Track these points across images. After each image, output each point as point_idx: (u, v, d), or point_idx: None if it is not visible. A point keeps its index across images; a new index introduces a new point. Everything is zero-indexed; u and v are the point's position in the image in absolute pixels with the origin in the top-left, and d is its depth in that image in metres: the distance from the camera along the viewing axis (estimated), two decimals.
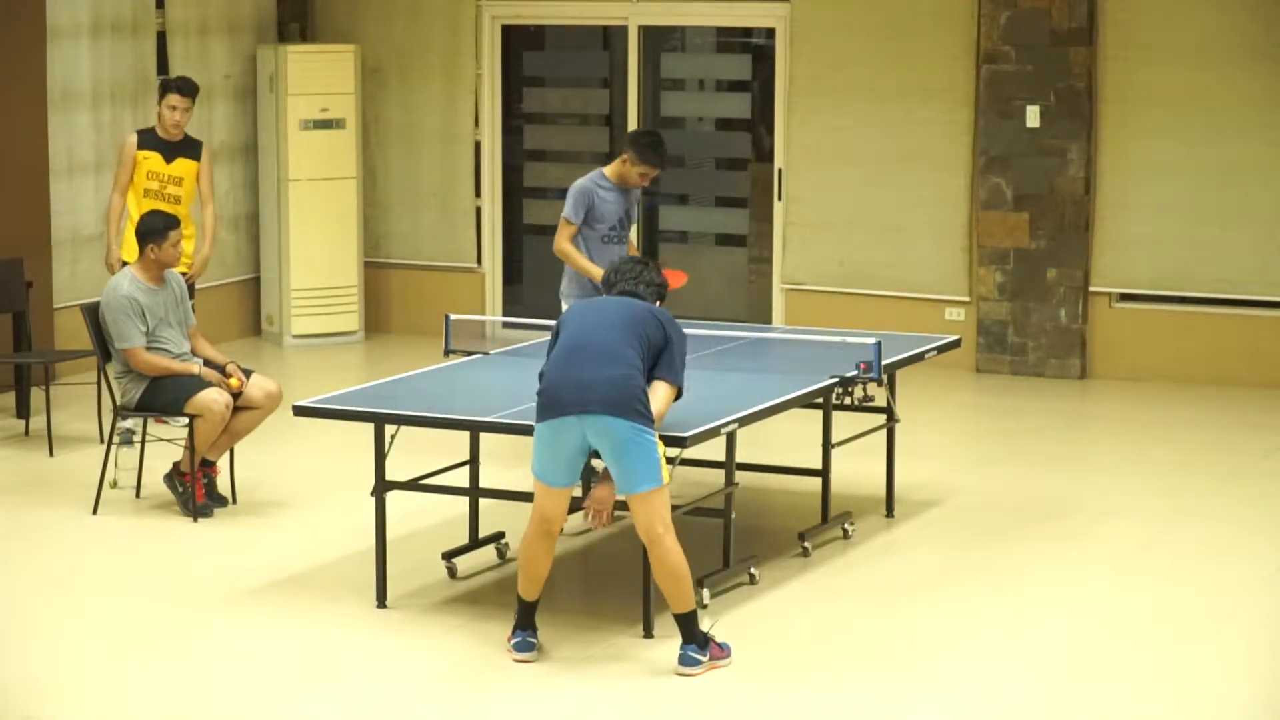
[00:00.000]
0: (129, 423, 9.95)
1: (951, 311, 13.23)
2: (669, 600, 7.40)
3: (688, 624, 7.41)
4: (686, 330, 9.76)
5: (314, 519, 9.62)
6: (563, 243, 9.70)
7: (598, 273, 9.39)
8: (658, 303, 7.70)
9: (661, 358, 7.48)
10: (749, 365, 9.23)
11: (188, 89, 11.41)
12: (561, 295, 9.85)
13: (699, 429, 7.79)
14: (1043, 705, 7.18)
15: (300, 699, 7.24)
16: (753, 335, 10.16)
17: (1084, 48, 12.75)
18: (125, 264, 11.27)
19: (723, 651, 7.48)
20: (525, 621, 7.56)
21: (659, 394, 7.44)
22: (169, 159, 11.33)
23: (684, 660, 7.38)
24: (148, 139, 11.38)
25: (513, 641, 7.55)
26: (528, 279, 14.79)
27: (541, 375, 7.43)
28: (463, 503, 8.86)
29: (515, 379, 8.85)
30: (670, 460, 8.70)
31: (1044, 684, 7.37)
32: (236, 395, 9.55)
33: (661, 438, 7.77)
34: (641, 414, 7.30)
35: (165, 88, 11.42)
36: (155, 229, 9.72)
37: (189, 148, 11.42)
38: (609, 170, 9.79)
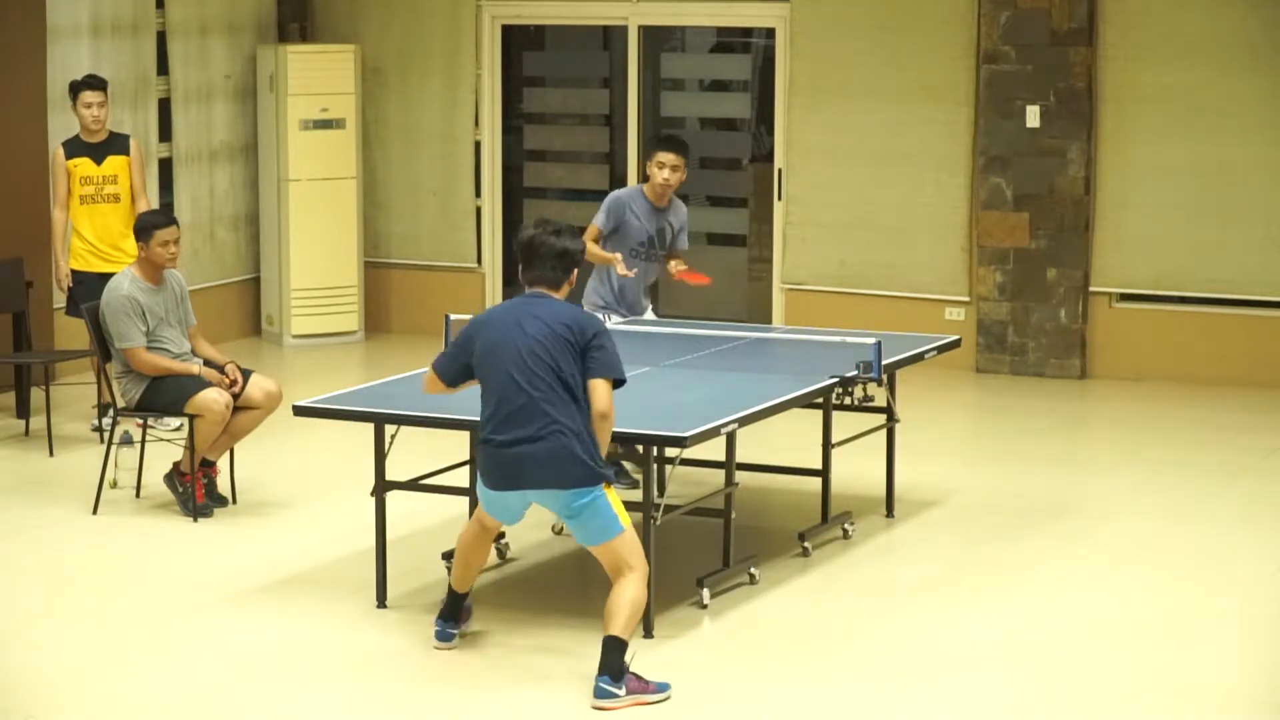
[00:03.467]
0: (121, 426, 9.94)
1: (951, 311, 13.23)
2: (606, 619, 7.11)
3: (610, 650, 7.06)
4: (685, 331, 9.81)
5: (314, 519, 9.62)
6: (588, 244, 9.76)
7: (611, 257, 9.70)
8: (573, 272, 7.36)
9: (589, 357, 7.20)
10: (749, 365, 9.23)
11: (98, 83, 11.39)
12: (585, 300, 10.01)
13: (699, 429, 7.78)
14: (1043, 705, 7.17)
15: (300, 698, 7.24)
16: (753, 335, 10.16)
17: (1084, 48, 12.75)
18: (75, 272, 11.31)
19: (647, 686, 7.07)
20: (450, 612, 7.60)
21: (598, 393, 7.18)
22: (99, 160, 11.30)
23: (598, 693, 7.03)
24: (74, 147, 11.34)
25: (434, 629, 7.62)
26: None
27: (478, 431, 7.35)
28: (463, 503, 8.85)
29: None
30: (669, 460, 8.72)
31: (1044, 684, 7.37)
32: (236, 395, 9.55)
33: (660, 438, 7.78)
34: (578, 473, 7.12)
35: (75, 88, 11.38)
36: (143, 227, 9.72)
37: (116, 144, 11.39)
38: (646, 186, 9.93)
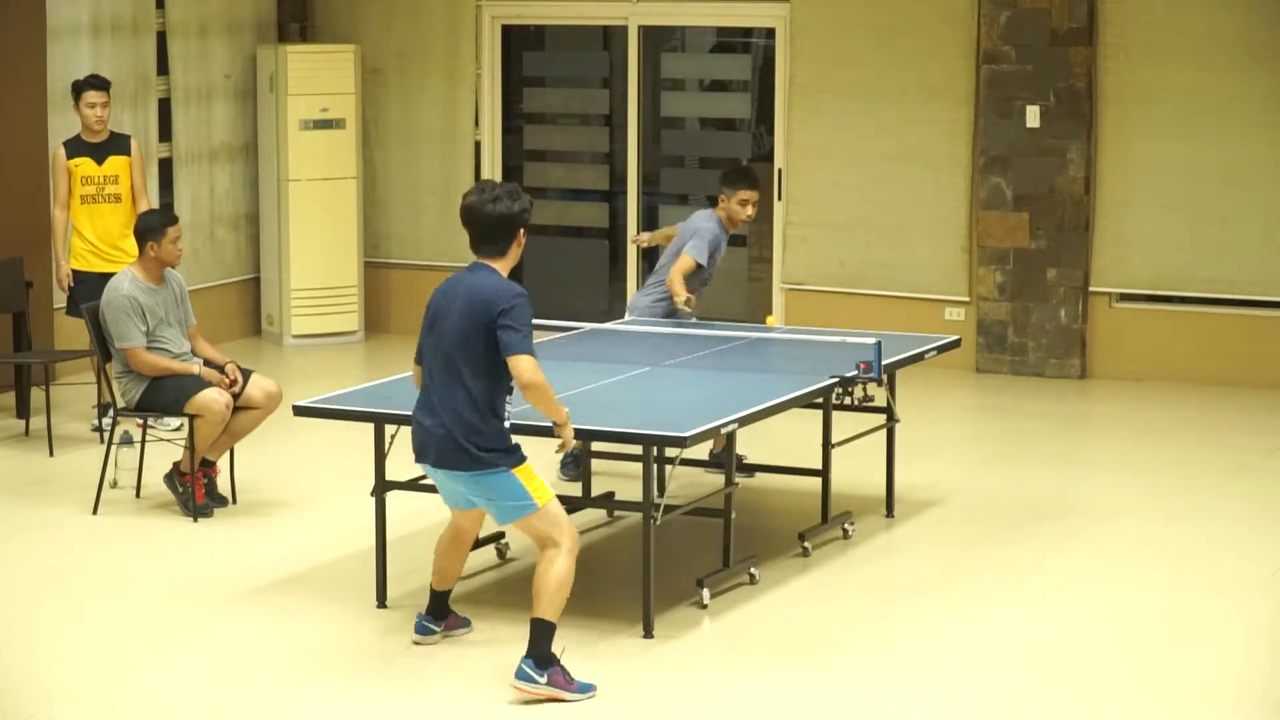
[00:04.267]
0: (121, 426, 9.94)
1: (951, 311, 13.23)
2: (533, 598, 7.11)
3: (537, 633, 7.06)
4: (685, 331, 9.79)
5: (314, 519, 9.62)
6: (679, 278, 9.88)
7: (682, 294, 9.82)
8: (516, 236, 7.18)
9: (500, 339, 7.06)
10: (749, 365, 9.23)
11: (101, 83, 11.38)
12: (636, 300, 10.26)
13: (699, 429, 7.78)
14: (1042, 705, 7.18)
15: (300, 698, 7.24)
16: (753, 335, 10.15)
17: (1084, 48, 12.75)
18: (75, 272, 11.31)
19: (570, 684, 7.05)
20: (431, 606, 7.66)
21: (517, 371, 7.04)
22: (100, 160, 11.29)
23: (518, 673, 7.04)
24: (75, 146, 11.34)
25: (414, 622, 7.69)
26: (528, 279, 14.78)
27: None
28: None
29: None
30: (669, 460, 8.71)
31: (1044, 684, 7.37)
32: (236, 395, 9.55)
33: (660, 438, 7.77)
34: (478, 456, 7.08)
35: (78, 88, 11.37)
36: (153, 226, 9.72)
37: (118, 144, 11.38)
38: (720, 214, 10.05)
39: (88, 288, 10.92)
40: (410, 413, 7.71)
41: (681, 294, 9.87)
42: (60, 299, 11.83)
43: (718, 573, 8.30)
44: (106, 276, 10.23)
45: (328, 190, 14.22)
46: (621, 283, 14.24)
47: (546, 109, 14.80)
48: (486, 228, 7.20)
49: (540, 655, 7.05)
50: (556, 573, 7.08)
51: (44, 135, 12.43)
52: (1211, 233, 12.65)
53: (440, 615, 7.67)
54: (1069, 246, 12.92)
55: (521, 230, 7.23)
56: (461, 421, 7.11)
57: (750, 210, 10.01)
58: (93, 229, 11.29)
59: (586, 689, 7.10)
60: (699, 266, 9.90)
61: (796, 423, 9.42)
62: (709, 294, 10.36)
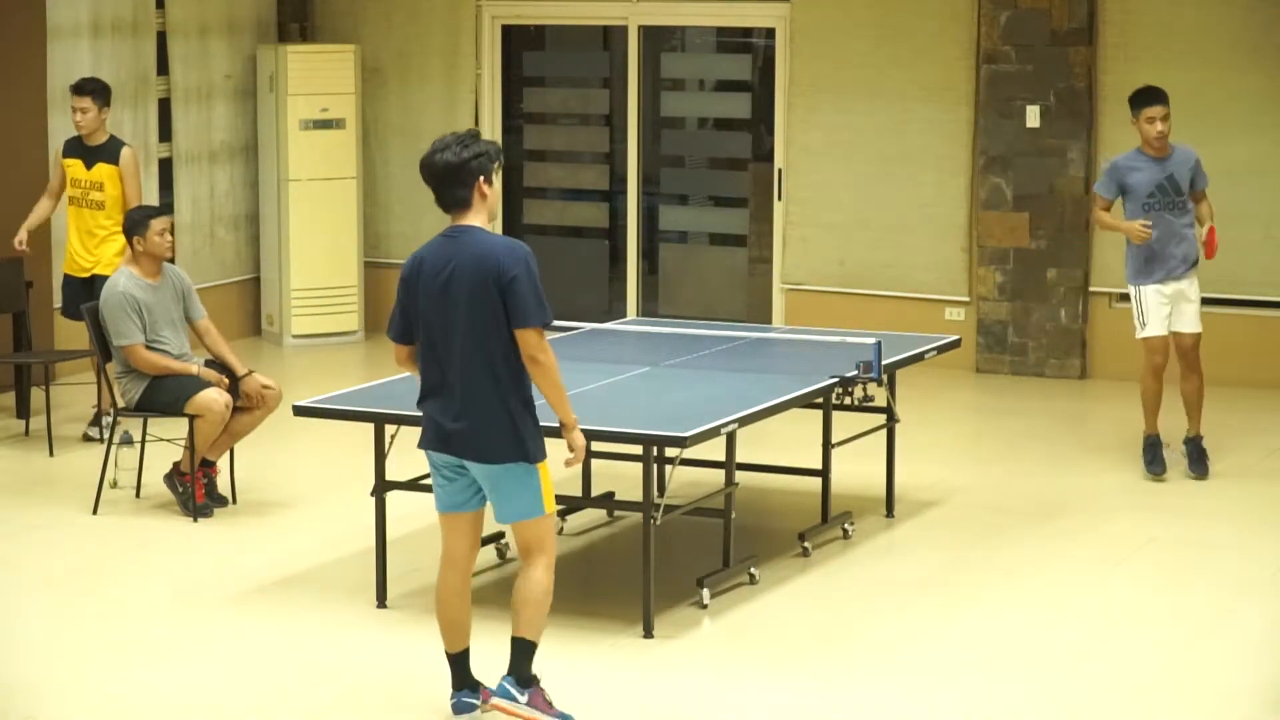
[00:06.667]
0: (121, 426, 9.93)
1: (951, 311, 13.23)
2: (514, 619, 6.74)
3: (520, 652, 6.69)
4: (685, 331, 9.80)
5: (314, 519, 9.62)
6: (1093, 215, 10.62)
7: (1131, 227, 10.31)
8: (478, 180, 6.69)
9: (508, 306, 6.60)
10: (749, 365, 9.23)
11: (84, 88, 11.20)
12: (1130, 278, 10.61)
13: (699, 429, 7.78)
14: (1043, 705, 7.18)
15: (300, 699, 7.24)
16: (753, 335, 10.16)
17: (1084, 48, 12.75)
18: (65, 276, 11.31)
19: (549, 708, 6.67)
20: (458, 680, 6.93)
21: (526, 345, 6.58)
22: (89, 165, 11.20)
23: (499, 690, 6.69)
24: (72, 147, 11.28)
25: (451, 701, 6.94)
26: None
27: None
28: None
29: None
30: (669, 460, 8.72)
31: (1044, 684, 7.37)
32: (235, 395, 9.56)
33: (660, 438, 7.77)
34: (512, 446, 6.57)
35: (71, 91, 11.34)
36: (136, 220, 9.72)
37: (107, 151, 11.16)
38: (1140, 144, 10.43)
39: (73, 290, 10.98)
40: (411, 412, 7.44)
41: (1111, 223, 10.45)
42: (60, 299, 11.82)
43: (718, 573, 8.30)
44: (88, 281, 10.28)
45: (328, 190, 14.22)
46: (621, 283, 14.24)
47: (546, 109, 14.80)
48: (442, 179, 6.78)
49: (519, 675, 6.70)
50: (541, 587, 6.70)
51: (44, 135, 12.43)
52: None
53: (470, 684, 6.92)
54: (1069, 246, 12.92)
55: (481, 177, 6.71)
56: (504, 387, 6.62)
57: (1159, 126, 10.26)
58: (77, 232, 11.22)
59: (562, 717, 6.76)
60: (1106, 201, 10.44)
61: (796, 423, 9.42)
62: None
